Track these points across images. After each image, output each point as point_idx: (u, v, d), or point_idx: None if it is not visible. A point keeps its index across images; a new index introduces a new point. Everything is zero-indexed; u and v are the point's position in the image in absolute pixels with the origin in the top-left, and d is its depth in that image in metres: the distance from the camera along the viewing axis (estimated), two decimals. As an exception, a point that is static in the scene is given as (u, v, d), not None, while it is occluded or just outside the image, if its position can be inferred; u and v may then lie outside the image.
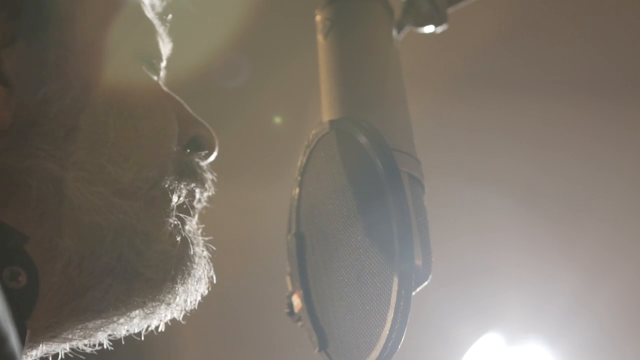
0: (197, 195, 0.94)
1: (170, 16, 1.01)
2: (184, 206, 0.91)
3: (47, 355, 0.89)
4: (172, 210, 0.88)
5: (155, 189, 0.87)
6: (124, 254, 0.83)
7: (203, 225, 0.95)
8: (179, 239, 0.88)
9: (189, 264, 0.89)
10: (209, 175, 0.95)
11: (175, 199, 0.89)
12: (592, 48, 2.52)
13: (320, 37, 1.01)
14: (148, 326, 0.91)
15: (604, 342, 2.80)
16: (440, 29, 1.05)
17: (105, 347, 0.91)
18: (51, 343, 0.86)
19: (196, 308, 0.92)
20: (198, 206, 0.95)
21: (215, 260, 0.94)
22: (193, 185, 0.93)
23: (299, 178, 0.95)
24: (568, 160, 2.66)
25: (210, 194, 0.95)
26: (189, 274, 0.89)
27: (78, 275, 0.81)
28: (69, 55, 0.85)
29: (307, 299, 0.92)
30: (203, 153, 0.96)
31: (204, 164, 0.95)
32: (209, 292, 0.92)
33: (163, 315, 0.90)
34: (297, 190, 0.95)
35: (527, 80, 2.58)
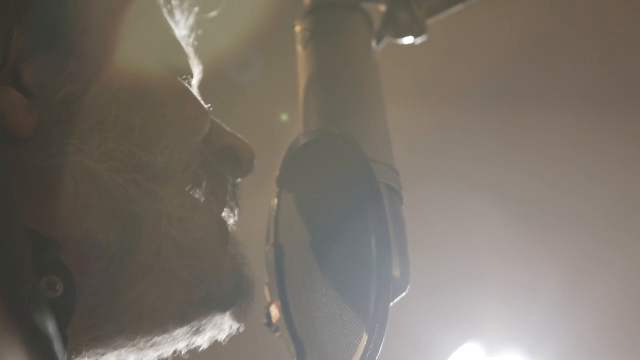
0: (223, 203, 0.93)
1: (194, 39, 1.02)
2: (214, 209, 0.91)
3: None
4: (200, 199, 0.88)
5: (187, 172, 0.87)
6: (162, 249, 0.82)
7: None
8: (213, 230, 0.88)
9: (223, 266, 0.88)
10: (234, 187, 0.95)
11: (202, 186, 0.88)
12: (582, 59, 2.54)
13: (299, 48, 1.01)
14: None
15: (584, 352, 2.81)
16: (419, 41, 1.06)
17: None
18: (94, 347, 0.84)
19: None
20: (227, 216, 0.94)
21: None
22: (217, 189, 0.92)
23: (278, 189, 0.95)
24: (551, 168, 2.67)
25: (234, 206, 0.95)
26: (224, 281, 0.87)
27: (117, 277, 0.81)
28: (89, 60, 0.85)
29: (285, 310, 0.92)
30: (238, 167, 0.95)
31: (231, 174, 0.95)
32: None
33: (205, 331, 0.89)
34: (276, 200, 0.95)
35: (512, 89, 2.59)
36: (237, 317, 0.90)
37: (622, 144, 2.59)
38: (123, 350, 0.86)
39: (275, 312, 0.93)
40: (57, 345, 0.66)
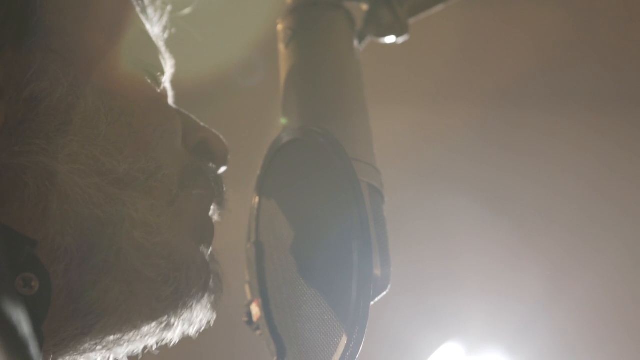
0: (209, 201, 0.93)
1: (166, 35, 1.02)
2: (191, 210, 0.91)
3: None
4: (173, 202, 0.88)
5: (153, 179, 0.86)
6: (122, 249, 0.82)
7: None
8: (181, 232, 0.87)
9: (192, 264, 0.87)
10: (219, 183, 0.95)
11: (174, 190, 0.88)
12: (558, 58, 2.55)
13: (281, 47, 1.01)
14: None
15: (565, 351, 2.82)
16: (401, 40, 1.06)
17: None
18: (60, 353, 0.83)
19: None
20: (211, 214, 0.94)
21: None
22: (202, 187, 0.92)
23: (259, 187, 0.95)
24: (532, 166, 2.68)
25: (220, 202, 0.95)
26: (194, 277, 0.87)
27: (78, 277, 0.80)
28: (57, 57, 0.85)
29: (265, 308, 0.92)
30: (213, 162, 0.95)
31: (214, 170, 0.95)
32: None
33: (175, 326, 0.88)
34: (257, 199, 0.95)
35: (490, 85, 2.60)
36: (206, 312, 0.90)
37: (604, 142, 2.60)
38: (92, 354, 0.86)
39: (255, 310, 0.93)
40: (33, 344, 0.65)
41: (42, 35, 0.85)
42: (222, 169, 0.97)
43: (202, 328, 0.91)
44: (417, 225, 2.58)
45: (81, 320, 0.81)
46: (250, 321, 0.94)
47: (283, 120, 0.97)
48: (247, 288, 0.95)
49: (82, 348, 0.84)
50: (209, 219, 0.94)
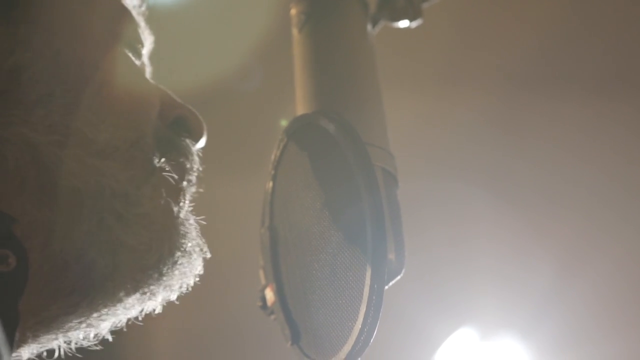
0: (183, 173, 0.92)
1: (144, 8, 1.01)
2: (169, 180, 0.90)
3: (43, 350, 0.86)
4: (153, 172, 0.87)
5: (134, 148, 0.86)
6: (104, 219, 0.81)
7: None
8: (161, 202, 0.87)
9: (173, 231, 0.87)
10: (193, 155, 0.94)
11: (155, 161, 0.88)
12: (580, 47, 2.54)
13: (295, 31, 1.01)
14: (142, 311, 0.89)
15: (578, 336, 2.81)
16: (415, 24, 1.06)
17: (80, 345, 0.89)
18: (42, 332, 0.83)
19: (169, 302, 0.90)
20: (186, 185, 0.93)
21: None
22: (177, 159, 0.91)
23: (273, 172, 0.95)
24: (544, 152, 2.67)
25: (193, 175, 0.94)
26: (175, 244, 0.87)
27: (60, 251, 0.79)
28: (41, 29, 0.85)
29: (280, 293, 0.92)
30: (190, 138, 0.94)
31: (189, 143, 0.94)
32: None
33: (157, 294, 0.87)
34: (271, 183, 0.95)
35: (499, 71, 2.59)
36: (185, 277, 0.89)
37: (615, 127, 2.60)
38: (75, 332, 0.85)
39: (270, 294, 0.93)
40: (6, 320, 0.65)
41: (26, 7, 0.85)
42: (200, 145, 0.96)
43: (183, 293, 0.90)
44: (430, 212, 2.58)
45: (65, 299, 0.81)
46: (264, 306, 0.94)
47: (283, 122, 0.97)
48: (261, 273, 0.95)
49: (66, 327, 0.83)
50: (183, 190, 0.93)
